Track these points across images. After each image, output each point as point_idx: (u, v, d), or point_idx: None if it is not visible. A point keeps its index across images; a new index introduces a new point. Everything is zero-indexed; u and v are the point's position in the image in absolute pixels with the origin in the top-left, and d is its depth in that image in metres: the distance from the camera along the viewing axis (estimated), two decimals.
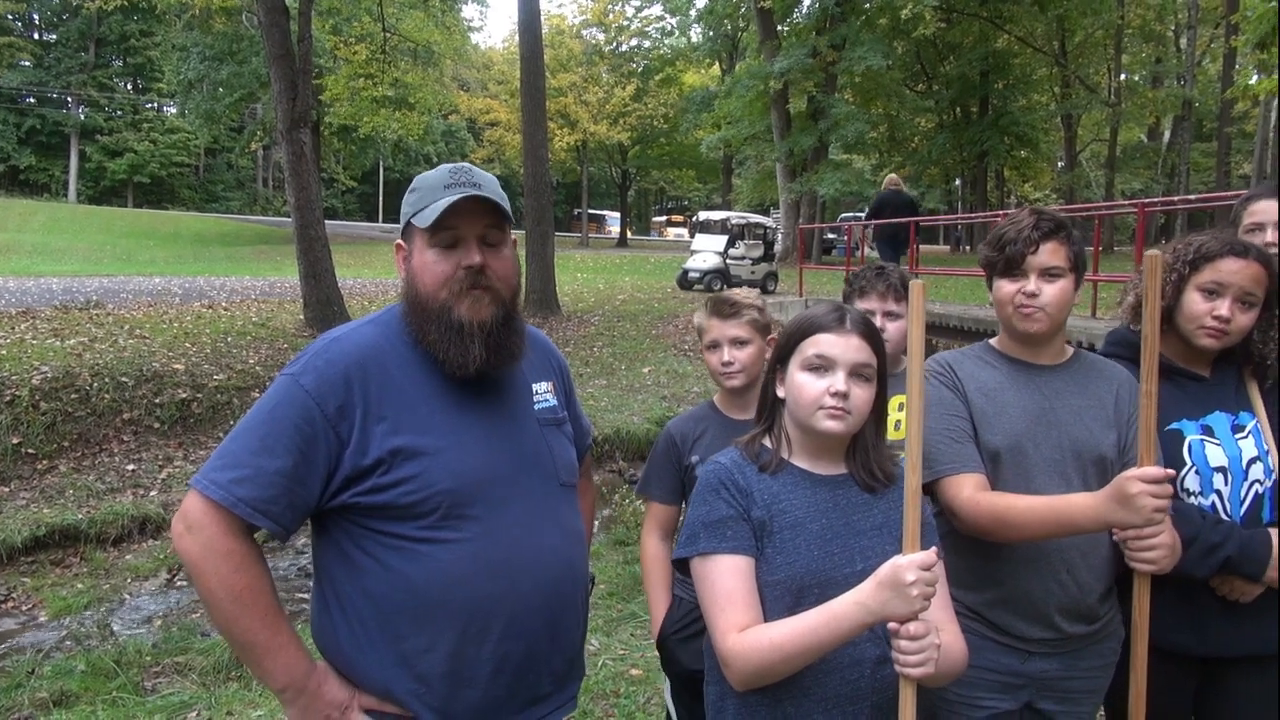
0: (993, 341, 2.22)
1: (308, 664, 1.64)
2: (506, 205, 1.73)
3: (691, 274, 20.56)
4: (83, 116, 53.12)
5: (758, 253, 21.74)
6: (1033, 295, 2.03)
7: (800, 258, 19.74)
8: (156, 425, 9.76)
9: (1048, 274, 2.03)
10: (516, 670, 1.70)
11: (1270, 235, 2.66)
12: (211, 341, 12.12)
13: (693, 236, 24.13)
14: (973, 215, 23.31)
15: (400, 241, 1.79)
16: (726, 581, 1.64)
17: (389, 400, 1.65)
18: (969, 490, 1.98)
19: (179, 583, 7.19)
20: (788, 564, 1.66)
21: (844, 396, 1.66)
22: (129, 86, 57.51)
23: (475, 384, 1.71)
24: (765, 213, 31.97)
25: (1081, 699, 2.14)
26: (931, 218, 29.16)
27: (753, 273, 21.09)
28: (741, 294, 2.58)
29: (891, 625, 1.51)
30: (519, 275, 1.80)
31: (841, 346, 1.68)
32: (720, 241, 21.15)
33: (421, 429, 1.65)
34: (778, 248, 24.49)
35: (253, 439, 1.61)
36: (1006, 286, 2.08)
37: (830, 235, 31.27)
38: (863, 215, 32.82)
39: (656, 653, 2.67)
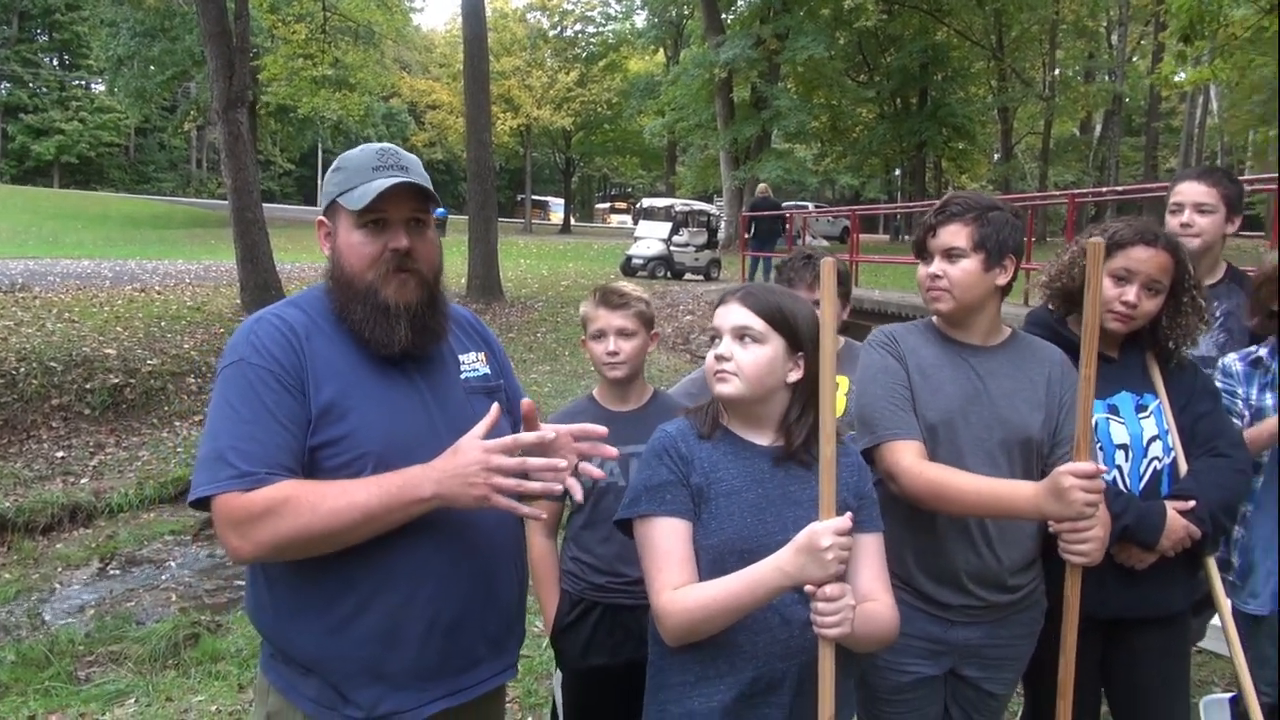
0: (934, 319, 2.30)
1: (400, 475, 1.58)
2: (432, 189, 1.77)
3: (635, 260, 20.63)
4: (5, 93, 51.11)
5: (701, 240, 21.84)
6: (936, 277, 2.15)
7: (743, 245, 19.84)
8: (87, 411, 9.53)
9: (949, 255, 2.13)
10: (448, 631, 1.73)
11: (1187, 215, 2.87)
12: (144, 326, 11.84)
13: (636, 223, 24.15)
14: (910, 205, 23.65)
15: (323, 218, 1.81)
16: (663, 543, 1.73)
17: (316, 369, 1.68)
18: (911, 457, 2.05)
19: (111, 571, 7.06)
20: (720, 529, 1.74)
21: (725, 359, 1.77)
22: (55, 63, 55.40)
23: (398, 359, 1.75)
24: (709, 200, 32.07)
25: (1003, 665, 2.24)
26: (871, 207, 29.64)
27: (696, 259, 21.20)
28: (629, 286, 2.59)
29: (809, 588, 1.59)
30: (441, 256, 1.86)
31: (723, 316, 1.82)
32: (664, 228, 21.22)
33: (346, 393, 1.68)
34: (721, 235, 24.62)
35: (236, 426, 1.61)
36: (920, 270, 2.21)
37: None
38: (806, 205, 33.45)
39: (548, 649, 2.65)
